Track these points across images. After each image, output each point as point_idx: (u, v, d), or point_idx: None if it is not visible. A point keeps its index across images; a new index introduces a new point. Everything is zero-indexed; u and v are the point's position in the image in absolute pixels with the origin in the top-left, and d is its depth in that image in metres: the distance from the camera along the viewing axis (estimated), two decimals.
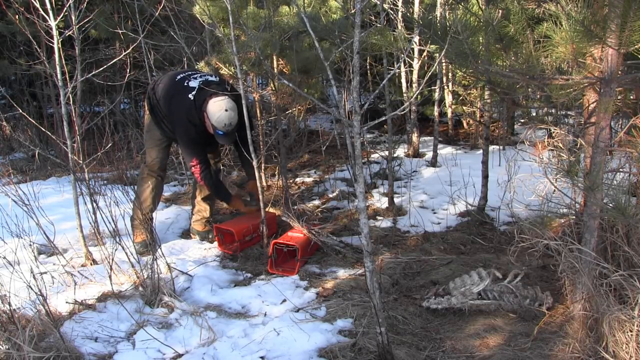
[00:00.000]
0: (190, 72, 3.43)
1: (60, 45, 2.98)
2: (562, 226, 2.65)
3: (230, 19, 3.04)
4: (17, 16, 3.40)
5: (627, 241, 2.29)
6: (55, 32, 2.96)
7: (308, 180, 5.08)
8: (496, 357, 2.22)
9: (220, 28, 3.49)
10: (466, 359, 2.24)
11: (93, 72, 3.24)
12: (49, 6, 2.92)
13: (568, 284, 2.48)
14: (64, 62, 3.06)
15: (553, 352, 2.20)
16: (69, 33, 3.12)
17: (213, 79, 3.37)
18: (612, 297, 2.10)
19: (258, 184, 3.34)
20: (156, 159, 3.45)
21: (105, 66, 3.49)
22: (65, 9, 3.01)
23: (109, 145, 3.35)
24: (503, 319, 2.50)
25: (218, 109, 3.13)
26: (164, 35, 5.58)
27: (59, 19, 2.98)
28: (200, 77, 3.35)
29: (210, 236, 3.66)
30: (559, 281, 2.63)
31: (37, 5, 2.92)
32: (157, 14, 4.48)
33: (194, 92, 3.22)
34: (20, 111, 3.37)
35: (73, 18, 3.10)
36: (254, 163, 3.27)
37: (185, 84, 3.29)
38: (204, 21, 3.58)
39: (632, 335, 1.95)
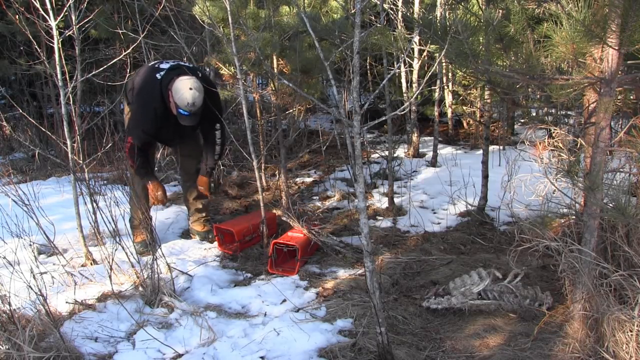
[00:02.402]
0: (165, 60, 3.45)
1: (60, 45, 2.98)
2: (562, 226, 2.65)
3: (230, 19, 3.04)
4: (17, 16, 3.39)
5: (627, 241, 2.29)
6: (55, 32, 2.95)
7: (308, 180, 5.08)
8: (496, 357, 2.22)
9: (220, 28, 3.48)
10: (466, 359, 2.24)
11: (93, 72, 3.24)
12: (49, 6, 2.92)
13: (568, 284, 2.48)
14: (64, 62, 3.05)
15: (553, 352, 2.20)
16: (69, 33, 3.12)
17: (186, 64, 3.40)
18: (612, 297, 2.10)
19: (259, 184, 3.34)
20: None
21: (105, 66, 3.49)
22: (66, 9, 3.01)
23: (109, 145, 3.34)
24: (503, 319, 2.50)
25: (183, 86, 3.09)
26: (164, 35, 5.57)
27: (59, 19, 2.98)
28: (174, 62, 3.38)
29: (211, 236, 3.66)
30: (559, 281, 2.63)
31: (37, 5, 2.91)
32: (157, 14, 4.48)
33: (162, 72, 3.22)
34: (20, 111, 3.36)
35: (73, 18, 3.10)
36: (254, 163, 3.27)
37: (157, 66, 3.31)
38: (203, 21, 3.58)
39: (632, 335, 1.95)
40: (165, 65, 3.29)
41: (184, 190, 3.80)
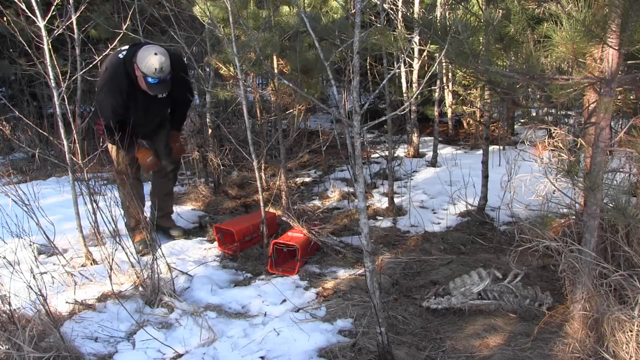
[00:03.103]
0: None
1: (50, 46, 2.96)
2: (562, 226, 2.65)
3: (231, 19, 3.04)
4: (5, 18, 3.38)
5: (627, 241, 2.29)
6: (44, 33, 2.94)
7: (308, 180, 5.08)
8: (496, 357, 2.22)
9: (220, 28, 3.49)
10: (466, 359, 2.24)
11: (83, 70, 3.23)
12: (35, 6, 2.89)
13: (568, 284, 2.48)
14: (55, 62, 3.03)
15: (553, 352, 2.20)
16: (58, 33, 3.10)
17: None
18: (612, 297, 2.10)
19: (259, 184, 3.33)
20: (122, 162, 3.35)
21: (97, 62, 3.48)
22: (52, 8, 3.00)
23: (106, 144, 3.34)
24: (503, 319, 2.50)
25: (147, 53, 3.03)
26: (164, 35, 5.57)
27: (46, 19, 2.97)
28: None
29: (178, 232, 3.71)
30: (559, 281, 2.63)
31: (23, 6, 2.89)
32: (156, 14, 4.48)
33: (124, 52, 3.19)
34: (17, 113, 3.36)
35: (74, 19, 3.10)
36: (255, 163, 3.26)
37: (120, 49, 3.27)
38: (204, 21, 3.58)
39: (632, 335, 1.95)
40: (125, 47, 3.26)
41: (154, 185, 3.77)
